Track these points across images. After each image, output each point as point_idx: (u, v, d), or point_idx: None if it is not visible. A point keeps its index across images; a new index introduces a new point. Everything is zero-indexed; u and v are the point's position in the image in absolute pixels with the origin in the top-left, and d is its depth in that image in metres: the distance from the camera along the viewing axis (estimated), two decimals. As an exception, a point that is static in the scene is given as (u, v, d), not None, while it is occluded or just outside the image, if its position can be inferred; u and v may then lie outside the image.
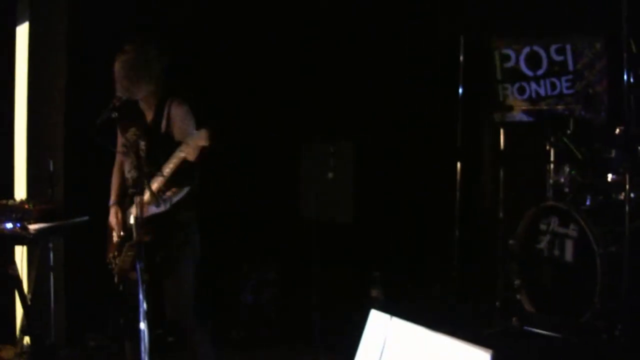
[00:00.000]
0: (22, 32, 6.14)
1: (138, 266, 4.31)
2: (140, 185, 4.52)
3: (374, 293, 6.23)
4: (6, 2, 6.14)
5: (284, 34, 6.58)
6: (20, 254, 5.65)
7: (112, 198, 5.05)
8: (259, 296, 6.44)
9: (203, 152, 4.37)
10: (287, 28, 6.58)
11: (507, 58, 6.65)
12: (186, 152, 4.36)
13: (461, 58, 6.51)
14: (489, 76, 6.72)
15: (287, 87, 6.58)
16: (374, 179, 6.71)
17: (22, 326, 5.35)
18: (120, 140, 4.94)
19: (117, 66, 4.75)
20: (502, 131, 6.52)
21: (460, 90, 6.49)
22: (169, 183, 4.60)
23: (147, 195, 4.51)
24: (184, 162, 4.44)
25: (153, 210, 4.64)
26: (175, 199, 4.74)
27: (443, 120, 6.60)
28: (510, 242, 5.90)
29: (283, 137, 6.59)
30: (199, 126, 4.63)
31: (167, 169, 4.49)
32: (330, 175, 6.28)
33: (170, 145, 4.59)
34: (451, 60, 6.55)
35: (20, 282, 5.16)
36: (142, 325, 4.28)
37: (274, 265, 6.53)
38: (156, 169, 4.56)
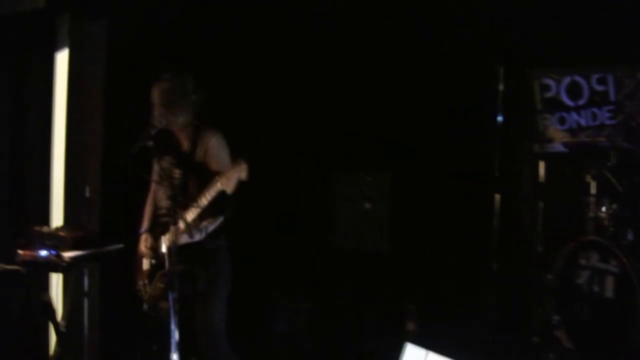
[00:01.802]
0: (62, 59, 6.19)
1: (170, 296, 4.31)
2: (174, 214, 4.52)
3: (410, 326, 6.16)
4: (46, 29, 6.21)
5: (321, 64, 6.56)
6: (56, 280, 5.68)
7: (144, 225, 5.07)
8: (292, 326, 6.40)
9: (240, 184, 4.37)
10: (324, 59, 6.56)
11: (547, 88, 6.57)
12: (224, 184, 4.36)
13: (500, 87, 6.44)
14: (528, 106, 6.64)
15: (324, 117, 6.56)
16: (411, 209, 6.64)
17: (55, 353, 5.35)
18: (155, 168, 4.95)
19: (156, 94, 4.79)
20: (541, 162, 6.43)
21: (499, 120, 6.41)
22: (204, 213, 4.60)
23: (181, 225, 4.51)
24: (221, 193, 4.43)
25: (187, 239, 4.63)
26: (209, 229, 4.73)
27: (481, 150, 6.53)
28: (549, 276, 5.80)
29: (320, 167, 6.57)
30: (234, 157, 4.63)
31: (204, 199, 4.49)
32: (367, 205, 6.25)
33: (205, 175, 4.60)
34: (490, 90, 6.48)
35: (52, 308, 5.16)
36: (174, 356, 4.27)
37: (308, 295, 6.49)
38: (191, 199, 4.57)
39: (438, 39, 6.62)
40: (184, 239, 4.62)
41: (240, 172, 4.36)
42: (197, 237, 4.70)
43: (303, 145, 6.53)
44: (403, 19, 6.48)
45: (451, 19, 6.50)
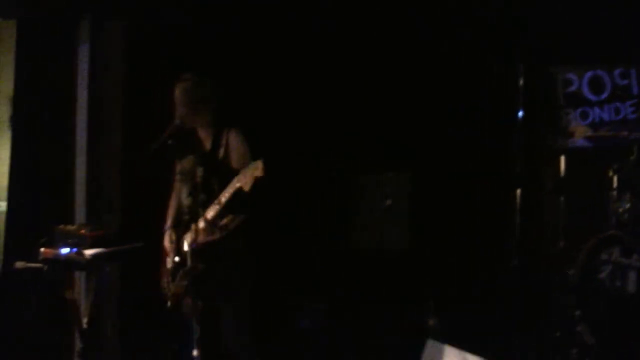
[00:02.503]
0: (83, 59, 6.23)
1: (192, 294, 4.34)
2: (195, 212, 4.56)
3: (430, 322, 6.14)
4: (67, 29, 6.25)
5: (340, 64, 6.55)
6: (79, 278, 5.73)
7: (168, 223, 5.10)
8: (313, 324, 6.40)
9: (257, 182, 4.38)
10: (342, 58, 6.55)
11: (569, 83, 6.53)
12: (242, 182, 4.39)
13: (521, 83, 6.41)
14: (550, 101, 6.60)
15: (342, 115, 6.55)
16: (431, 206, 6.62)
17: (78, 350, 5.38)
18: (177, 168, 4.99)
19: (177, 93, 4.85)
20: (563, 157, 6.39)
21: (520, 116, 6.38)
22: (225, 211, 4.62)
23: (202, 223, 4.55)
24: (240, 192, 4.45)
25: (208, 237, 4.65)
26: (230, 227, 4.76)
27: (502, 146, 6.50)
28: (570, 272, 5.77)
29: (339, 165, 6.56)
30: (254, 155, 4.65)
31: (224, 197, 4.52)
32: (387, 202, 6.25)
33: (227, 173, 4.64)
34: (511, 86, 6.45)
35: (76, 306, 5.20)
36: (195, 352, 4.30)
37: (329, 292, 6.49)
38: (212, 197, 4.60)
39: (458, 35, 6.60)
40: (207, 237, 4.66)
41: (256, 170, 4.37)
42: (218, 235, 4.73)
43: (322, 144, 6.53)
44: (422, 15, 6.46)
45: (471, 15, 6.48)
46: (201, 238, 4.65)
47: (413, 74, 6.56)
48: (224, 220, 4.73)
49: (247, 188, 4.41)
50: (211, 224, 4.62)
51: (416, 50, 6.57)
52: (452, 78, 6.55)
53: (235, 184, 4.45)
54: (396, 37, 6.55)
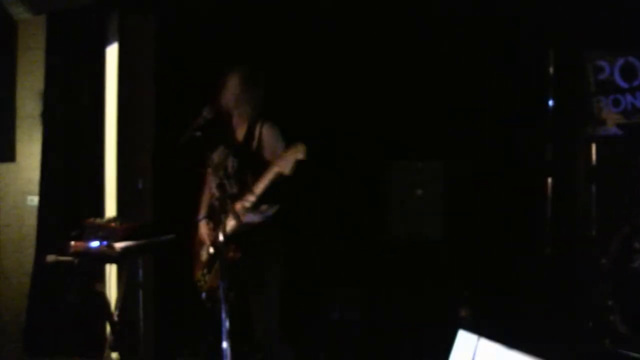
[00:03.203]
0: (112, 53, 6.26)
1: (221, 285, 4.34)
2: (227, 204, 4.56)
3: (463, 312, 6.12)
4: (96, 24, 6.29)
5: (372, 53, 6.52)
6: (110, 271, 5.76)
7: (200, 214, 5.11)
8: (346, 315, 6.39)
9: (298, 166, 4.38)
10: (375, 47, 6.52)
11: (600, 70, 6.46)
12: (282, 167, 4.37)
13: (551, 71, 6.35)
14: (581, 89, 6.53)
15: (375, 104, 6.53)
16: (464, 195, 6.58)
17: (110, 342, 5.42)
18: (209, 158, 5.00)
19: (229, 81, 4.86)
20: (594, 145, 6.33)
21: (551, 104, 6.33)
22: (262, 198, 4.62)
23: (233, 214, 4.55)
24: (277, 178, 4.45)
25: (250, 219, 4.65)
26: (267, 214, 4.75)
27: (533, 135, 6.45)
28: (603, 261, 5.72)
29: (372, 155, 6.54)
30: (288, 144, 4.66)
31: (261, 185, 4.51)
32: (419, 192, 6.22)
33: (259, 165, 4.63)
34: (541, 74, 6.40)
35: (105, 299, 5.24)
36: (225, 344, 4.30)
37: (361, 283, 6.48)
38: (244, 189, 4.60)
39: (489, 23, 6.55)
40: (248, 219, 4.66)
41: (298, 153, 4.36)
42: (255, 218, 4.72)
43: (355, 133, 6.51)
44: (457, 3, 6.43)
45: (503, 2, 6.43)
46: (234, 227, 4.64)
47: (444, 62, 6.52)
48: (263, 207, 4.72)
49: (287, 171, 4.39)
50: (239, 215, 4.61)
51: (448, 37, 6.52)
52: (483, 66, 6.50)
53: (274, 168, 4.44)
54: (427, 25, 6.51)
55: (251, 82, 4.93)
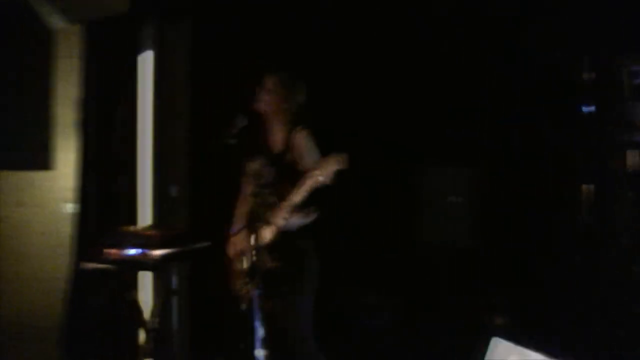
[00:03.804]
0: (147, 62, 6.29)
1: (256, 293, 4.35)
2: (263, 213, 4.57)
3: (497, 320, 6.09)
4: (131, 33, 6.34)
5: (408, 58, 6.51)
6: (146, 279, 5.80)
7: (236, 226, 5.11)
8: (378, 322, 6.38)
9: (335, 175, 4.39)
10: (410, 53, 6.51)
11: (636, 75, 6.40)
12: (320, 175, 4.37)
13: (586, 76, 6.30)
14: (616, 94, 6.47)
15: (406, 109, 6.51)
16: (497, 201, 6.55)
17: (144, 350, 5.45)
18: (245, 167, 5.01)
19: (267, 84, 4.86)
20: (630, 152, 6.27)
21: (585, 110, 6.27)
22: (297, 209, 4.62)
23: (271, 222, 4.56)
24: (316, 186, 4.45)
25: (277, 235, 4.66)
26: (302, 223, 4.76)
27: (567, 141, 6.40)
28: (636, 268, 5.67)
29: (404, 161, 6.52)
30: (324, 153, 4.66)
31: (299, 195, 4.51)
32: (453, 198, 6.20)
33: (295, 174, 4.62)
34: (576, 79, 6.35)
35: (138, 306, 5.27)
36: (259, 352, 4.31)
37: (394, 290, 6.47)
38: (281, 199, 4.60)
39: (522, 27, 6.51)
40: (292, 224, 4.67)
41: (338, 162, 4.37)
42: (292, 226, 4.73)
43: (387, 139, 6.50)
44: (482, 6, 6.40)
45: (537, 6, 6.39)
46: (269, 237, 4.65)
47: (478, 68, 6.50)
48: (293, 219, 4.73)
49: (327, 180, 4.39)
50: (276, 224, 4.62)
51: (482, 42, 6.49)
52: (517, 71, 6.46)
53: (314, 177, 4.44)
54: (462, 30, 6.49)
55: (290, 89, 4.93)
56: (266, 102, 4.87)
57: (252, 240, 4.73)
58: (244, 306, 4.88)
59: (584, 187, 6.24)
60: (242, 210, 5.17)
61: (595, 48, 6.34)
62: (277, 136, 4.97)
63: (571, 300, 6.16)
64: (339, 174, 4.43)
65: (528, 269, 6.37)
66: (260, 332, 4.32)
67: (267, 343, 4.40)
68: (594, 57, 6.34)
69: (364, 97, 6.42)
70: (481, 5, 6.36)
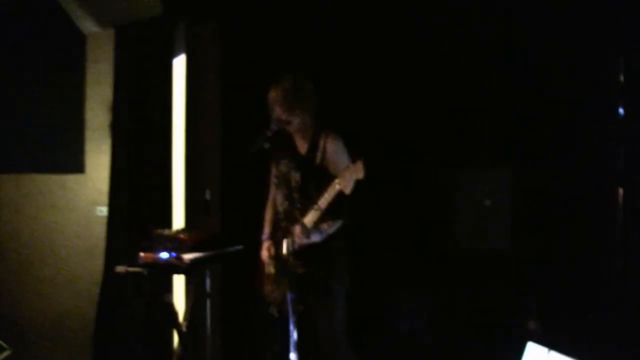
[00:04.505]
0: (180, 65, 6.31)
1: (289, 296, 4.34)
2: (292, 217, 4.56)
3: (531, 324, 6.04)
4: (163, 36, 6.35)
5: (435, 60, 6.47)
6: (179, 282, 5.80)
7: (265, 231, 5.11)
8: (413, 325, 6.36)
9: (358, 184, 4.37)
10: (439, 55, 6.47)
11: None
12: (342, 185, 4.36)
13: (621, 78, 6.24)
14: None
15: (441, 112, 6.48)
16: (532, 205, 6.50)
17: (178, 353, 5.46)
18: (273, 172, 5.00)
19: (272, 95, 4.82)
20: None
21: (621, 112, 6.21)
22: (323, 215, 4.61)
23: (299, 228, 4.54)
24: (339, 195, 4.44)
25: (311, 239, 4.65)
26: (329, 231, 4.74)
27: (603, 144, 6.34)
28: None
29: (438, 164, 6.49)
30: (352, 155, 4.64)
31: (324, 201, 4.49)
32: (486, 202, 6.17)
33: (324, 178, 4.62)
34: (611, 82, 6.29)
35: (174, 309, 5.27)
36: (293, 356, 4.30)
37: (429, 294, 6.44)
38: (309, 202, 4.59)
39: (557, 29, 6.46)
40: (309, 240, 4.65)
41: (357, 172, 4.35)
42: (317, 238, 4.72)
43: (421, 142, 6.47)
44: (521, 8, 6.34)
45: (574, 9, 6.33)
46: (299, 242, 4.64)
47: (512, 70, 6.45)
48: (323, 225, 4.71)
49: (347, 191, 4.38)
50: (307, 228, 4.61)
51: (516, 43, 6.45)
52: (552, 73, 6.41)
53: (335, 186, 4.42)
54: (490, 35, 6.45)
55: (299, 93, 4.86)
56: (277, 115, 4.81)
57: (283, 246, 4.73)
58: (274, 310, 4.88)
59: (619, 189, 6.18)
60: (270, 214, 5.17)
61: (631, 49, 6.28)
62: (302, 139, 4.95)
63: (607, 305, 6.11)
64: (367, 181, 4.41)
65: (565, 273, 6.32)
66: (294, 335, 4.31)
67: (300, 346, 4.39)
68: (628, 59, 6.28)
69: (394, 100, 6.40)
70: (513, 6, 6.32)
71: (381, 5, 6.32)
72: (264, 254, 5.01)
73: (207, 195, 5.85)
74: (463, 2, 6.36)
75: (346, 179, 4.35)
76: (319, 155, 4.84)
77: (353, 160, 4.50)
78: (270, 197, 5.20)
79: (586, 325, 5.90)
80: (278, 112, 4.79)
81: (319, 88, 4.98)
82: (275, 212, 5.06)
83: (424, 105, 6.45)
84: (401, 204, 6.49)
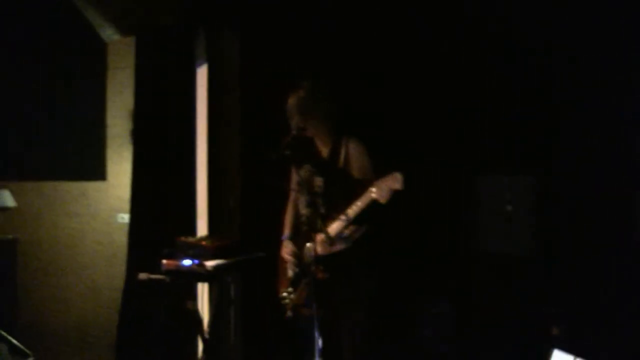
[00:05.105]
0: (202, 73, 6.32)
1: (313, 303, 4.33)
2: (314, 222, 4.54)
3: (556, 331, 6.00)
4: (185, 44, 6.36)
5: (457, 65, 6.45)
6: (202, 289, 5.80)
7: (286, 232, 5.11)
8: (436, 331, 6.33)
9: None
10: (461, 59, 6.45)
11: None
12: (378, 195, 4.36)
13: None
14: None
15: (463, 118, 6.46)
16: (556, 210, 6.46)
17: (201, 359, 5.46)
18: (294, 177, 4.99)
19: (290, 102, 4.83)
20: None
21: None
22: (350, 222, 4.60)
23: (324, 235, 4.53)
24: (373, 203, 4.43)
25: (334, 248, 4.64)
26: (354, 237, 4.73)
27: (629, 147, 6.30)
28: None
29: (461, 170, 6.47)
30: (375, 165, 4.64)
31: (355, 209, 4.49)
32: (509, 207, 6.15)
33: (346, 183, 4.61)
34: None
35: (197, 316, 5.27)
36: (316, 362, 4.29)
37: (452, 299, 6.41)
38: (333, 208, 4.58)
39: (586, 32, 6.42)
40: (333, 248, 4.64)
41: (395, 183, 4.34)
42: (341, 245, 4.71)
43: (443, 148, 6.45)
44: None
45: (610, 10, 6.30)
46: (324, 248, 4.63)
47: (535, 76, 6.42)
48: (347, 231, 4.70)
49: (383, 201, 4.37)
50: (330, 236, 4.59)
51: (544, 47, 6.42)
52: (580, 78, 6.38)
53: (370, 195, 4.41)
54: (517, 37, 6.43)
55: (317, 99, 4.85)
56: (296, 121, 4.81)
57: (305, 251, 4.73)
58: (289, 314, 4.87)
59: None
60: (291, 216, 5.17)
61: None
62: (323, 145, 4.94)
63: (635, 311, 6.06)
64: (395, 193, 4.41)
65: (590, 279, 6.28)
66: (319, 342, 4.29)
67: (323, 353, 4.38)
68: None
69: (416, 105, 6.38)
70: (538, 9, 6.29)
71: (402, 13, 6.30)
72: (284, 254, 5.00)
73: (232, 203, 5.86)
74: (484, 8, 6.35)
75: (382, 188, 4.34)
76: (341, 158, 4.83)
77: (385, 172, 4.48)
78: (291, 200, 5.20)
79: (613, 331, 5.86)
80: (296, 119, 4.79)
81: (339, 94, 4.99)
82: (297, 216, 5.05)
83: (446, 112, 6.43)
84: (423, 210, 6.47)
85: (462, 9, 6.32)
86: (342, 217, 4.54)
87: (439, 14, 6.33)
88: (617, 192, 6.30)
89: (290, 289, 4.91)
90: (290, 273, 4.96)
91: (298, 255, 4.91)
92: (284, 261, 5.04)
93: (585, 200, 6.33)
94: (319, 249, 4.58)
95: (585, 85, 6.34)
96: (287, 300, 4.92)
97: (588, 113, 6.33)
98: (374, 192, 4.37)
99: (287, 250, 5.02)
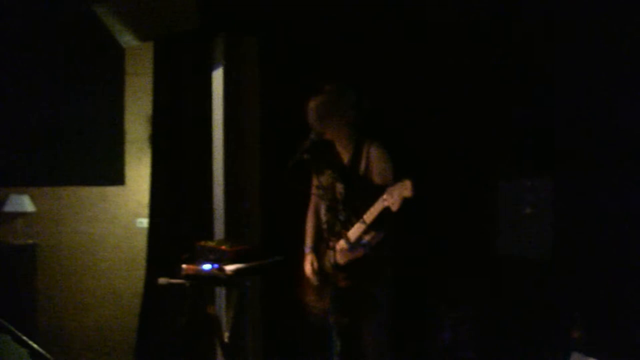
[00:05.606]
0: (218, 77, 6.33)
1: (334, 309, 4.34)
2: (336, 228, 4.54)
3: (575, 334, 5.98)
4: (202, 48, 6.37)
5: (479, 68, 6.43)
6: (220, 293, 5.81)
7: (308, 243, 5.10)
8: (456, 335, 6.31)
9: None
10: (483, 64, 6.43)
11: None
12: (389, 202, 4.34)
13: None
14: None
15: (482, 121, 6.44)
16: (575, 213, 6.43)
17: (220, 364, 5.48)
18: (315, 182, 4.98)
19: (310, 105, 4.82)
20: None
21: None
22: (367, 228, 4.59)
23: (344, 242, 4.53)
24: (385, 210, 4.42)
25: (355, 253, 4.64)
26: (372, 244, 4.72)
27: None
28: None
29: (480, 173, 6.45)
30: (396, 167, 4.63)
31: (370, 215, 4.48)
32: (528, 210, 6.13)
33: (368, 189, 4.60)
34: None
35: (217, 321, 5.28)
36: (337, 367, 4.29)
37: (471, 303, 6.39)
38: (353, 213, 4.57)
39: (611, 29, 6.38)
40: (351, 254, 4.64)
41: (404, 190, 4.32)
42: (360, 252, 4.70)
43: (462, 151, 6.43)
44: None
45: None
46: (344, 256, 4.63)
47: (556, 77, 6.39)
48: (367, 237, 4.69)
49: (394, 208, 4.34)
50: (352, 242, 4.59)
51: (564, 48, 6.39)
52: (598, 78, 6.35)
53: (383, 202, 4.41)
54: (530, 42, 6.41)
55: (336, 104, 4.84)
56: (315, 126, 4.80)
57: (327, 259, 4.73)
58: (316, 321, 4.87)
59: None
60: (312, 225, 5.15)
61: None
62: (345, 150, 4.93)
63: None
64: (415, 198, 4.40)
65: (611, 282, 6.25)
66: (337, 347, 4.29)
67: (344, 358, 4.38)
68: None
69: (436, 108, 6.36)
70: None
71: (423, 16, 6.29)
72: (307, 267, 4.99)
73: (246, 205, 5.87)
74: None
75: (394, 196, 4.32)
76: (362, 164, 4.80)
77: (400, 177, 4.47)
78: (311, 207, 5.19)
79: (633, 335, 5.82)
80: (317, 123, 4.78)
81: (360, 98, 4.98)
82: (319, 223, 5.04)
83: (465, 115, 6.42)
84: (444, 214, 6.45)
85: (488, 12, 6.32)
86: (360, 222, 4.53)
87: (462, 18, 6.32)
88: (639, 194, 6.27)
89: (316, 297, 4.91)
90: (316, 281, 4.95)
91: (320, 265, 4.91)
92: (308, 269, 5.03)
93: (607, 203, 6.31)
94: (339, 258, 4.59)
95: (609, 89, 6.32)
96: (314, 308, 4.91)
97: (611, 116, 6.30)
98: (385, 199, 4.36)
99: (309, 267, 5.01)
